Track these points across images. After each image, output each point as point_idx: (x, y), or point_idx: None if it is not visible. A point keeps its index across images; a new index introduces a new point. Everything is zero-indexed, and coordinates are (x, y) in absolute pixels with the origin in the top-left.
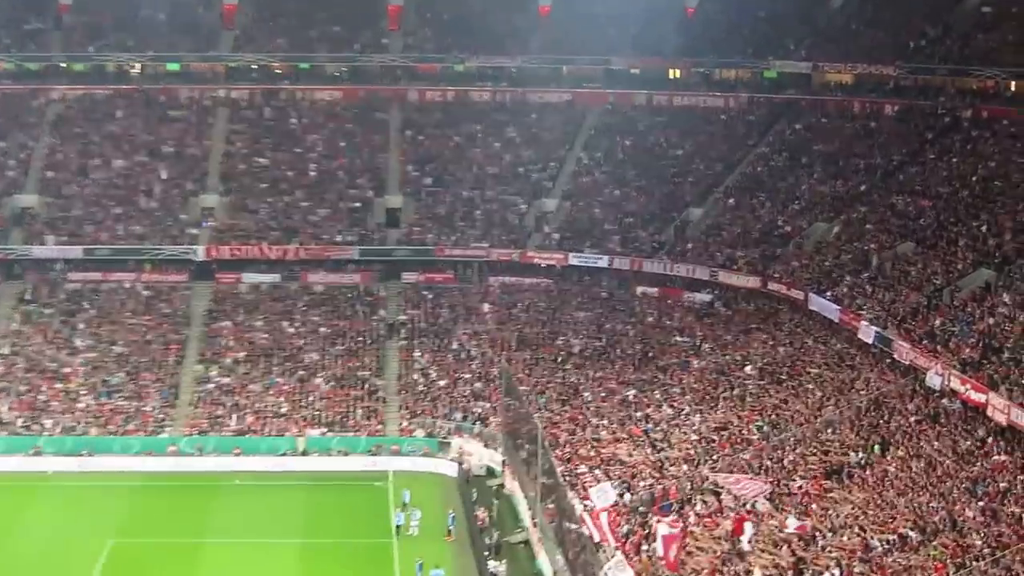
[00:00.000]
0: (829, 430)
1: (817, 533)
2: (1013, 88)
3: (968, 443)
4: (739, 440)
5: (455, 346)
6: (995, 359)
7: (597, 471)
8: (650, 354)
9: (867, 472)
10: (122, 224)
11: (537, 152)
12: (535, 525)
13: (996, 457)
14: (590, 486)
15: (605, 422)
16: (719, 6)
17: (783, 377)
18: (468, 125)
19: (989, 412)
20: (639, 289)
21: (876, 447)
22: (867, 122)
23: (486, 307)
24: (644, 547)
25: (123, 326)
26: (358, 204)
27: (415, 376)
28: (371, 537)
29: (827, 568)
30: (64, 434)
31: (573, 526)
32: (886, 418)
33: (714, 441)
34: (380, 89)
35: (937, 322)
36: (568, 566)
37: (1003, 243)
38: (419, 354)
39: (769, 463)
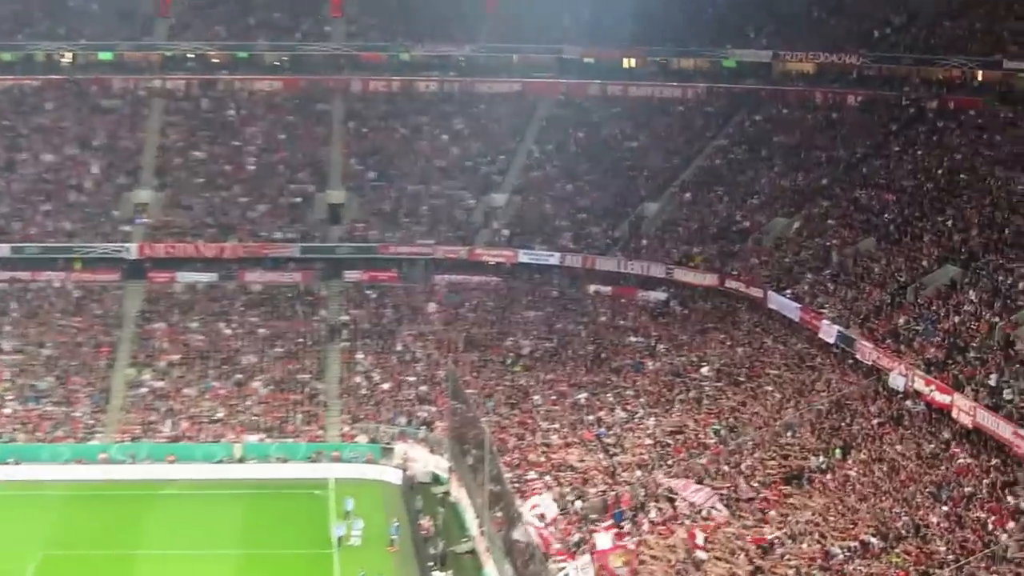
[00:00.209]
0: (789, 433)
1: (775, 541)
2: (980, 78)
3: (932, 446)
4: (695, 444)
5: (399, 348)
6: (960, 359)
7: (547, 477)
8: (603, 355)
9: (828, 477)
10: (51, 221)
11: (486, 145)
12: (482, 534)
13: (961, 460)
14: (539, 493)
15: (556, 426)
16: None
17: (741, 379)
18: (414, 117)
19: (954, 414)
20: (592, 288)
21: (837, 451)
22: (829, 113)
23: (432, 307)
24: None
25: (52, 328)
26: (299, 199)
27: (357, 379)
28: (311, 548)
29: None
30: None
31: (521, 537)
32: (848, 421)
33: (669, 445)
34: (322, 79)
35: (901, 321)
36: None
37: (969, 239)
38: (362, 356)
39: (727, 468)
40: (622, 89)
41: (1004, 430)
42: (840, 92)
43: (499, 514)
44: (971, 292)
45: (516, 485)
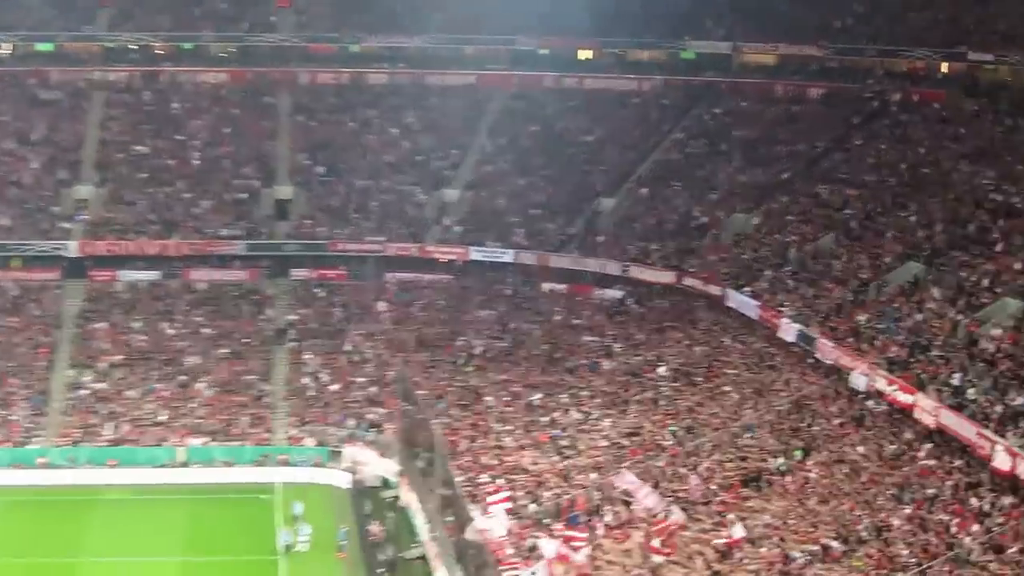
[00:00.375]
0: (747, 435)
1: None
2: (945, 70)
3: (894, 447)
4: (651, 446)
5: (348, 348)
6: (923, 358)
7: (500, 480)
8: (557, 355)
9: (787, 479)
10: None
11: (437, 139)
12: (433, 539)
13: (924, 462)
14: (492, 494)
15: (509, 428)
16: None
17: (699, 379)
18: (363, 110)
19: (916, 414)
20: (546, 286)
21: (797, 452)
22: (790, 106)
23: (382, 306)
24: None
25: None
26: (244, 195)
27: (305, 380)
28: (257, 554)
29: None
30: None
31: (473, 538)
32: (808, 421)
33: (625, 447)
34: (269, 71)
35: (862, 319)
36: None
37: (933, 235)
38: (310, 357)
39: (684, 470)
40: (577, 82)
41: (967, 431)
42: (801, 85)
43: (450, 519)
44: (934, 290)
45: (468, 489)
